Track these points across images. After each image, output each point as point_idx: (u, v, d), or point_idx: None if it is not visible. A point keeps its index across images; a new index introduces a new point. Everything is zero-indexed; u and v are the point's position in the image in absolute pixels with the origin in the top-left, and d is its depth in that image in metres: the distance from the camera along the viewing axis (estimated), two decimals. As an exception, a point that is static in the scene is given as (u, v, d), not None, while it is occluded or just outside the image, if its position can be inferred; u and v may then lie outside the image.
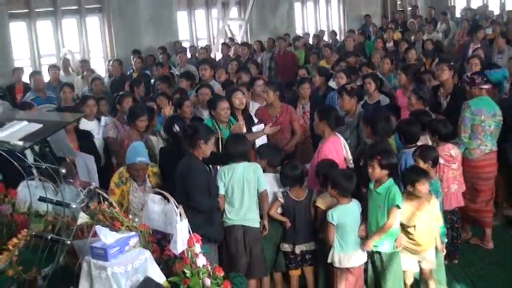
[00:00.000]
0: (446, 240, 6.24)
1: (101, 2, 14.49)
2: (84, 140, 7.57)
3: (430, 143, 6.71)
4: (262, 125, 7.85)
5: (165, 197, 4.36)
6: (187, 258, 4.03)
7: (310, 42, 16.64)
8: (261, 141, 7.64)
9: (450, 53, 14.38)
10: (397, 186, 5.71)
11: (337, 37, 17.59)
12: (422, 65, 10.99)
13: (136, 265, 3.78)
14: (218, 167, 6.37)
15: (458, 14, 19.57)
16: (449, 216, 6.72)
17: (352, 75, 9.54)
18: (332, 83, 10.05)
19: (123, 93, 8.67)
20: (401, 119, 7.23)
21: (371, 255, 5.83)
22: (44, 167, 4.15)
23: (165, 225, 4.36)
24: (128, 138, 7.18)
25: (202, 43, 16.42)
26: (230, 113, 7.48)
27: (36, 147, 4.18)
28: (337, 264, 5.78)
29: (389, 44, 14.47)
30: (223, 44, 15.40)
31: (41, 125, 4.06)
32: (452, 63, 9.04)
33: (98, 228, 3.87)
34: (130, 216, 4.36)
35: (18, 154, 3.94)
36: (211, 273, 4.06)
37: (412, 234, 5.70)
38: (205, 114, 8.20)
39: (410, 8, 21.01)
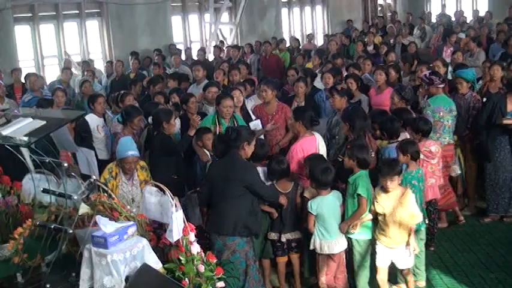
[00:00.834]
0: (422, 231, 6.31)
1: (100, 7, 14.47)
2: (84, 134, 7.55)
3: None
4: (259, 120, 7.90)
5: (161, 189, 4.35)
6: (182, 246, 4.04)
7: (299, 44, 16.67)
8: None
9: (426, 55, 14.40)
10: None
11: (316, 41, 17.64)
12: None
13: (134, 252, 3.77)
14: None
15: (434, 20, 19.60)
16: (426, 207, 6.76)
17: (336, 76, 9.57)
18: (318, 83, 10.08)
19: (124, 92, 8.63)
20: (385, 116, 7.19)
21: (350, 242, 5.85)
22: (47, 160, 4.14)
23: (161, 215, 4.36)
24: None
25: (195, 46, 16.39)
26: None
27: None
28: (318, 251, 5.82)
29: (370, 47, 14.49)
30: (215, 46, 15.40)
31: (44, 122, 4.05)
32: (431, 65, 9.09)
33: (98, 218, 3.86)
34: (128, 207, 4.36)
35: (23, 148, 3.93)
36: (204, 260, 4.06)
37: (385, 227, 5.62)
38: (210, 110, 8.28)
39: (389, 14, 21.06)
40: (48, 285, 3.90)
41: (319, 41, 18.26)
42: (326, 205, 5.65)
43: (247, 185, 5.47)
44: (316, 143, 6.54)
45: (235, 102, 7.66)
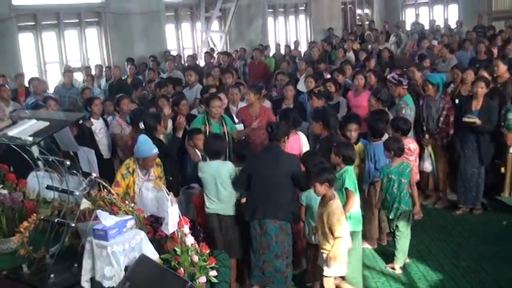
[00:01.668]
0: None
1: (99, 16, 14.42)
2: (83, 133, 7.47)
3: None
4: (241, 124, 7.96)
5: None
6: (178, 238, 4.02)
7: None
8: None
9: (401, 60, 14.46)
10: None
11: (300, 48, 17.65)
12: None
13: (133, 244, 3.76)
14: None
15: (408, 28, 19.68)
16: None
17: (318, 80, 9.61)
18: (300, 86, 10.11)
19: (120, 96, 8.60)
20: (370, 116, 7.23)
21: None
22: (50, 159, 4.12)
23: (158, 209, 4.35)
24: (131, 139, 7.13)
25: (187, 52, 16.37)
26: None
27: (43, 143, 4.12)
28: (308, 240, 5.86)
29: (349, 53, 14.53)
30: (206, 52, 15.38)
31: (48, 123, 4.04)
32: (405, 69, 9.17)
33: (99, 212, 3.85)
34: (127, 202, 4.35)
35: (28, 148, 3.92)
36: (198, 251, 4.06)
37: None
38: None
39: (367, 22, 21.13)
40: (52, 276, 3.88)
41: (303, 48, 18.28)
42: (314, 197, 5.57)
43: (294, 174, 5.59)
44: (300, 141, 6.61)
45: (222, 103, 7.69)
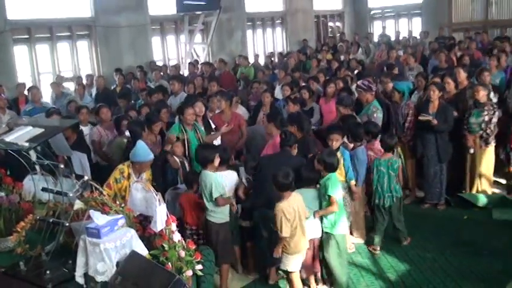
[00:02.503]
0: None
1: (89, 29, 14.32)
2: (80, 140, 7.46)
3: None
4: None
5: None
6: (165, 235, 4.02)
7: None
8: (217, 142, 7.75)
9: (371, 69, 14.56)
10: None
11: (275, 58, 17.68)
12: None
13: (123, 241, 3.75)
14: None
15: (376, 39, 19.82)
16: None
17: (294, 88, 9.65)
18: (277, 93, 10.15)
19: (99, 105, 8.55)
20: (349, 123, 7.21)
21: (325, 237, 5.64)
22: (45, 163, 4.09)
23: (146, 209, 4.36)
24: (146, 139, 7.03)
25: (172, 63, 16.31)
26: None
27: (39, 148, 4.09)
28: None
29: (323, 63, 14.59)
30: (190, 63, 15.34)
31: (43, 129, 4.01)
32: (374, 78, 9.24)
33: (92, 212, 3.84)
34: (118, 202, 4.33)
35: (25, 153, 3.89)
36: (185, 246, 4.06)
37: None
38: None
39: (338, 34, 21.23)
40: (47, 272, 3.86)
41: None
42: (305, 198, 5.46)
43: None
44: None
45: (197, 112, 7.65)
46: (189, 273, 4.00)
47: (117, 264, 3.67)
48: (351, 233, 6.77)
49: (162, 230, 4.02)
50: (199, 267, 4.11)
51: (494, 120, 7.71)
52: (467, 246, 6.62)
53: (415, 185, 8.32)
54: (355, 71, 12.28)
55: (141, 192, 4.88)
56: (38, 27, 13.26)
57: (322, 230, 5.64)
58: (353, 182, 6.38)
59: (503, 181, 8.30)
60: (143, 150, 5.67)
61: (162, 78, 12.97)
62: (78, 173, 5.50)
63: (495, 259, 6.21)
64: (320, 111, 8.87)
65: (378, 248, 6.64)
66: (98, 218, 3.76)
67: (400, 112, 8.10)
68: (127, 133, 7.31)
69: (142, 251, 3.84)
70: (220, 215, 5.75)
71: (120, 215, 3.98)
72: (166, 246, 3.96)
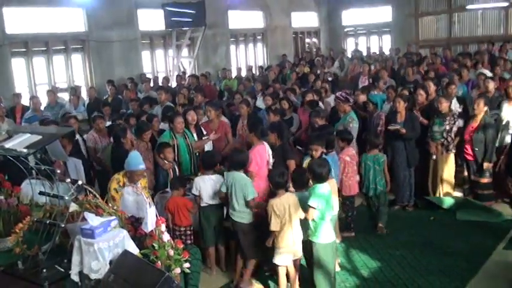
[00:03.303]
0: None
1: (83, 43, 14.23)
2: (77, 149, 7.41)
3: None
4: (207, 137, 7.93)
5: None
6: (155, 235, 4.01)
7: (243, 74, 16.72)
8: (208, 147, 7.76)
9: (345, 82, 14.66)
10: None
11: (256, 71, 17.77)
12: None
13: (116, 241, 3.73)
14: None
15: (349, 54, 19.96)
16: (347, 200, 6.91)
17: (276, 98, 9.70)
18: (259, 103, 10.16)
19: (95, 115, 8.55)
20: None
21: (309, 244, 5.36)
22: (42, 168, 4.06)
23: (137, 211, 4.36)
24: (136, 148, 7.00)
25: (161, 75, 16.25)
26: (184, 126, 7.49)
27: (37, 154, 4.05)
28: None
29: (300, 75, 14.66)
30: (177, 75, 15.32)
31: (40, 137, 3.98)
32: (348, 91, 9.32)
33: (86, 214, 3.81)
34: (110, 205, 4.30)
35: (23, 159, 3.85)
36: (173, 246, 4.04)
37: None
38: None
39: (315, 49, 21.35)
40: (44, 270, 3.81)
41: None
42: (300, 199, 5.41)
43: None
44: (266, 150, 6.60)
45: (189, 120, 7.67)
46: (178, 270, 3.99)
47: (110, 262, 3.65)
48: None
49: (152, 230, 4.01)
50: (187, 265, 4.11)
51: (455, 129, 7.84)
52: (434, 244, 6.69)
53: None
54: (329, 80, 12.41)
55: (132, 196, 4.88)
56: (35, 41, 13.14)
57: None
58: None
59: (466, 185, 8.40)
60: (135, 160, 5.54)
61: (152, 90, 12.92)
62: (73, 177, 5.45)
63: (459, 257, 6.28)
64: (299, 120, 8.92)
65: (384, 231, 7.08)
66: (92, 220, 3.73)
67: (373, 121, 8.19)
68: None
69: (134, 250, 3.82)
70: (248, 216, 5.69)
71: (113, 217, 3.95)
72: (156, 246, 3.94)
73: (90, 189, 4.23)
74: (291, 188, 5.66)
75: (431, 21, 20.56)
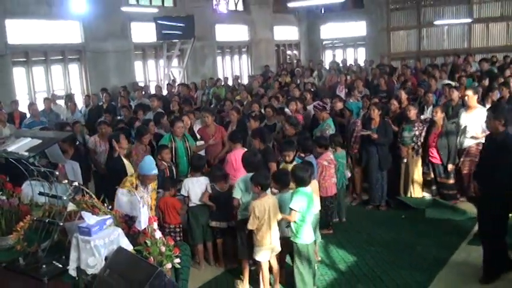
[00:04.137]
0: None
1: (80, 54, 14.16)
2: (77, 150, 7.38)
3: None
4: (203, 142, 7.93)
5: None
6: (148, 233, 3.99)
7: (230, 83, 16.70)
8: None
9: (323, 91, 14.73)
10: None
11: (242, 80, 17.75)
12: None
13: (111, 238, 3.69)
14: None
15: (327, 65, 20.07)
16: (327, 201, 6.92)
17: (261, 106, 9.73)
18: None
19: (100, 121, 8.50)
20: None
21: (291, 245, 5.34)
22: (42, 170, 4.02)
23: (131, 210, 4.31)
24: (135, 150, 6.97)
25: (153, 84, 16.19)
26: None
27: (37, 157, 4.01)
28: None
29: (283, 85, 14.69)
30: (168, 84, 15.29)
31: (40, 141, 3.95)
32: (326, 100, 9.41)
33: (83, 213, 3.77)
34: (105, 204, 4.28)
35: (24, 161, 3.82)
36: (165, 243, 4.03)
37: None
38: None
39: (296, 61, 21.43)
40: (44, 266, 3.77)
41: (245, 80, 18.42)
42: (284, 199, 5.37)
43: None
44: None
45: (184, 125, 7.66)
46: (169, 266, 3.96)
47: (106, 258, 3.62)
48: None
49: (145, 228, 3.99)
50: (177, 260, 4.08)
51: (423, 134, 7.93)
52: (405, 241, 6.75)
53: (361, 190, 8.44)
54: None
55: (126, 196, 4.83)
56: (34, 51, 13.04)
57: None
58: None
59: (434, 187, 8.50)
60: (149, 165, 5.40)
61: (144, 97, 12.87)
62: (71, 178, 5.41)
63: (428, 252, 6.35)
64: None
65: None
66: (89, 219, 3.70)
67: (350, 127, 8.25)
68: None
69: (128, 246, 3.79)
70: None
71: (108, 216, 3.92)
72: (149, 243, 3.91)
73: (86, 190, 4.20)
74: (274, 189, 5.67)
75: (402, 35, 20.84)
